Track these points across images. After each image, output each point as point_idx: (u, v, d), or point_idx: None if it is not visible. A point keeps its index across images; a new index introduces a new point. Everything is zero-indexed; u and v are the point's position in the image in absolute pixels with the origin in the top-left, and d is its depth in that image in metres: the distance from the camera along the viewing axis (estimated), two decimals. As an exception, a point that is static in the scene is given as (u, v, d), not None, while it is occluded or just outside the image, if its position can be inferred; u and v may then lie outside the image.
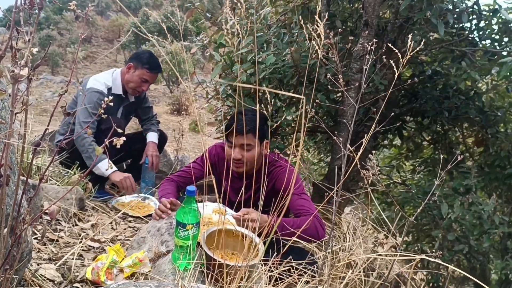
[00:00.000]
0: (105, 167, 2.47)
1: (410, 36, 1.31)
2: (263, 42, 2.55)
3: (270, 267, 1.38)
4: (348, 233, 2.11)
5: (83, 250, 1.71)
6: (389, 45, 1.38)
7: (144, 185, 2.78)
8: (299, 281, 1.41)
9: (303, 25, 1.58)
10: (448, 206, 2.48)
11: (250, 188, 1.70)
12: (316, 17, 1.25)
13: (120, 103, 2.74)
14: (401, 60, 1.22)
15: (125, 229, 2.13)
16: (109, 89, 2.65)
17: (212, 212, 1.86)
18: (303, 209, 1.83)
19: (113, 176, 2.50)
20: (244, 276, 1.32)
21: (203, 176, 2.13)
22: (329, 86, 2.02)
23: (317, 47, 1.26)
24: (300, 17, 2.52)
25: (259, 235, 1.52)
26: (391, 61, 1.30)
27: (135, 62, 2.66)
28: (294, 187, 1.88)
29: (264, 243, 1.40)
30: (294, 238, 1.42)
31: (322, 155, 3.87)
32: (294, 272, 1.43)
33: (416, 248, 3.19)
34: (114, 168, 2.55)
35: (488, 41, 2.72)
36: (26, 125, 0.98)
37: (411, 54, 1.16)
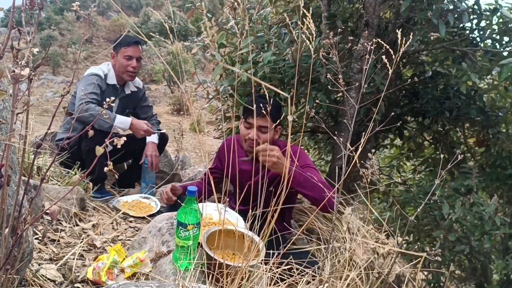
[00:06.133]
0: (123, 120, 2.52)
1: (399, 32, 1.31)
2: (264, 42, 2.55)
3: (271, 267, 1.38)
4: (349, 233, 2.11)
5: (84, 250, 1.71)
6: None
7: (144, 185, 2.78)
8: (300, 281, 1.41)
9: (303, 24, 1.58)
10: (450, 207, 2.48)
11: (259, 172, 1.76)
12: (305, 11, 1.25)
13: (116, 94, 2.77)
14: (393, 57, 1.22)
15: (126, 229, 2.13)
16: (106, 76, 2.73)
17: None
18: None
19: (137, 125, 2.56)
20: (245, 276, 1.32)
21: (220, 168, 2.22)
22: (329, 87, 2.02)
23: (308, 42, 1.26)
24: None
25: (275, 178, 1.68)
26: (387, 60, 1.30)
27: (114, 49, 2.79)
28: (303, 162, 1.92)
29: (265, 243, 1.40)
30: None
31: (322, 155, 3.87)
32: (295, 272, 1.43)
33: (417, 248, 3.18)
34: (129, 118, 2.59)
35: (489, 40, 2.72)
36: (27, 126, 0.99)
37: (411, 54, 1.16)
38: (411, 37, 1.30)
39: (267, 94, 1.39)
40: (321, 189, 1.72)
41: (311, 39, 1.25)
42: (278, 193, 1.56)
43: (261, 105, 1.76)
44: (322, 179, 1.93)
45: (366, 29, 2.43)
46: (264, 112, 1.50)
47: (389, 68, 1.23)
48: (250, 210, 1.46)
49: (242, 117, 2.06)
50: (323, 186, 1.78)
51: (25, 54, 0.84)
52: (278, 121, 1.95)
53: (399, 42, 1.24)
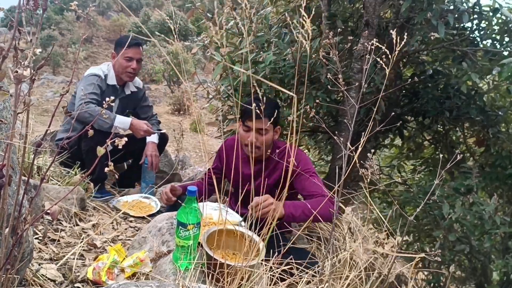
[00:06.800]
0: (123, 120, 2.51)
1: (393, 31, 1.31)
2: (264, 42, 2.55)
3: (271, 267, 1.38)
4: (349, 233, 2.11)
5: (84, 250, 1.71)
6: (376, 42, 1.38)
7: (144, 185, 2.78)
8: (300, 281, 1.41)
9: (303, 25, 1.58)
10: (449, 206, 2.48)
11: (260, 174, 1.75)
12: (303, 11, 1.25)
13: (116, 94, 2.77)
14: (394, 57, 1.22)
15: (126, 229, 2.14)
16: (106, 76, 2.73)
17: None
18: (316, 191, 1.86)
19: (137, 125, 2.55)
20: (245, 276, 1.32)
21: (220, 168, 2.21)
22: (329, 86, 2.02)
23: (305, 42, 1.26)
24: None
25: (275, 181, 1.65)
26: (385, 60, 1.30)
27: (115, 50, 2.78)
28: (304, 166, 1.91)
29: (265, 242, 1.40)
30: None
31: (323, 155, 3.87)
32: (295, 272, 1.43)
33: (417, 248, 3.18)
34: (129, 118, 2.59)
35: (489, 41, 2.72)
36: (27, 125, 0.99)
37: (411, 53, 1.16)
38: (405, 36, 1.29)
39: (264, 95, 1.39)
40: (325, 212, 1.71)
41: (308, 40, 1.25)
42: (278, 194, 1.57)
43: (257, 107, 1.75)
44: (322, 185, 1.92)
45: (366, 29, 2.43)
46: (261, 114, 1.49)
47: (388, 68, 1.23)
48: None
49: (240, 120, 2.06)
50: (322, 197, 1.77)
51: (27, 54, 0.83)
52: (276, 122, 1.95)
53: (394, 41, 1.24)
